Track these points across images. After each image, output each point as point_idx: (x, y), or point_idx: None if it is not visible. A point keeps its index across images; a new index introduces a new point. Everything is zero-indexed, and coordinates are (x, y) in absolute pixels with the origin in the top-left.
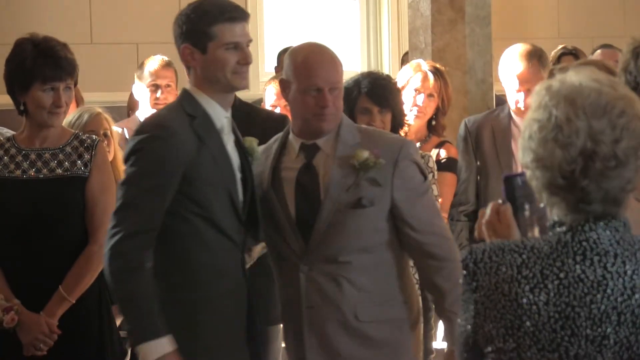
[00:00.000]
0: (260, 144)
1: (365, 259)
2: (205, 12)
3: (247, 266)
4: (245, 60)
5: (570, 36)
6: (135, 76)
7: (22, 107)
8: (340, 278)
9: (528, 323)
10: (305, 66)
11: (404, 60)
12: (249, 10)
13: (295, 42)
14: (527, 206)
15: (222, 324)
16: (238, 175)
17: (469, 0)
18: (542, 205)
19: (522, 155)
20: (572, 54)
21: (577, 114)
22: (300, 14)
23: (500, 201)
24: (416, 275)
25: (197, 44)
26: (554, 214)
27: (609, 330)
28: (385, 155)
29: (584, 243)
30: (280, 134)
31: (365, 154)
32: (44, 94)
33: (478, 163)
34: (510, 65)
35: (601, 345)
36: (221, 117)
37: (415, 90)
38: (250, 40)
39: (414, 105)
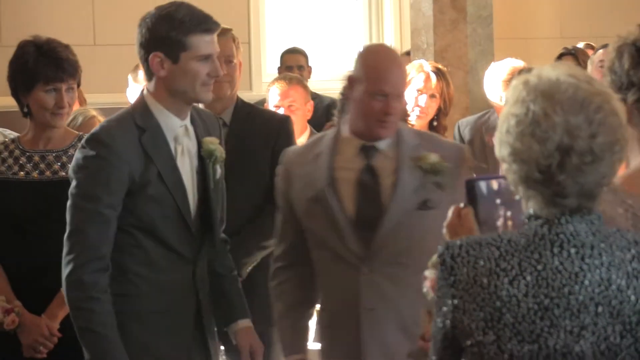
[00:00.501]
0: (262, 144)
1: (427, 261)
2: (180, 21)
3: (246, 269)
4: (215, 73)
5: (572, 36)
6: (130, 78)
7: (25, 109)
8: (402, 280)
9: (508, 315)
10: (377, 70)
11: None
12: (251, 11)
13: (297, 42)
14: (494, 211)
15: (154, 341)
16: (194, 185)
17: (470, 0)
18: (507, 212)
19: (499, 149)
20: (571, 54)
21: (555, 109)
22: (302, 14)
23: (462, 205)
24: None
25: (169, 53)
26: (529, 207)
27: (587, 321)
28: (448, 159)
29: (561, 235)
30: (323, 133)
31: (433, 157)
32: (47, 95)
33: None
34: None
35: (579, 335)
36: (176, 127)
37: (418, 90)
38: (218, 52)
39: (416, 105)
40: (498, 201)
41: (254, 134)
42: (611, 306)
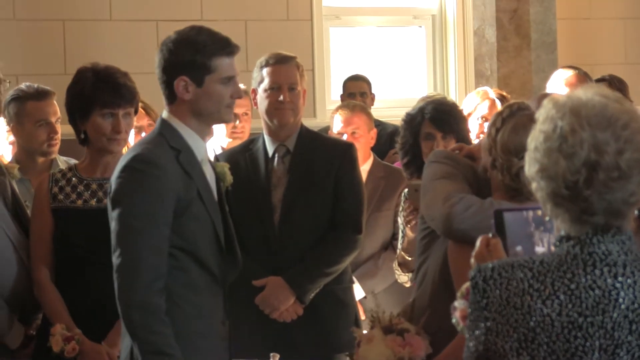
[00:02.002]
0: (325, 171)
1: None
2: (204, 45)
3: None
4: (238, 94)
5: (637, 62)
6: None
7: (82, 136)
8: None
9: (542, 335)
10: None
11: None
12: (315, 39)
13: (360, 69)
14: (517, 247)
15: None
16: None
17: (534, 27)
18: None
19: (528, 167)
20: (605, 80)
21: (582, 125)
22: (365, 42)
23: (490, 234)
24: None
25: (194, 77)
26: (559, 227)
27: (621, 339)
28: None
29: (594, 255)
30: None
31: None
32: (104, 120)
33: None
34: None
35: (614, 354)
36: (201, 148)
37: (482, 117)
38: (238, 74)
39: (481, 132)
40: (532, 228)
41: (318, 161)
42: None
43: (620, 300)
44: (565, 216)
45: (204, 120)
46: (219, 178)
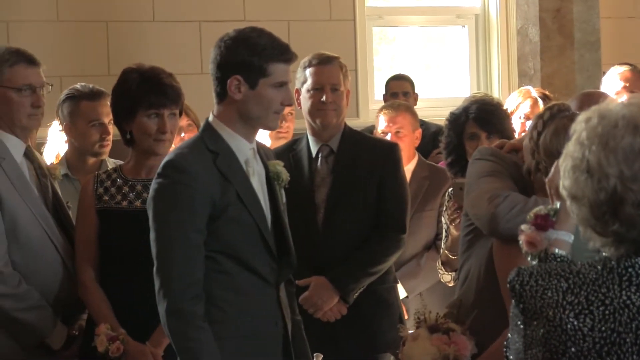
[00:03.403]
0: (369, 171)
1: None
2: (263, 48)
3: (353, 295)
4: (289, 101)
5: None
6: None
7: (128, 136)
8: None
9: (573, 349)
10: None
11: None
12: (357, 39)
13: (404, 69)
14: None
15: None
16: (267, 207)
17: (577, 26)
18: None
19: (562, 185)
20: None
21: (608, 159)
22: (409, 42)
23: None
24: None
25: (248, 78)
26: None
27: None
28: None
29: (630, 269)
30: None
31: None
32: (149, 120)
33: None
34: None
35: None
36: (246, 150)
37: (525, 116)
38: (291, 81)
39: (523, 131)
40: None
41: (362, 161)
42: None
43: None
44: (598, 241)
45: (251, 123)
46: (272, 178)
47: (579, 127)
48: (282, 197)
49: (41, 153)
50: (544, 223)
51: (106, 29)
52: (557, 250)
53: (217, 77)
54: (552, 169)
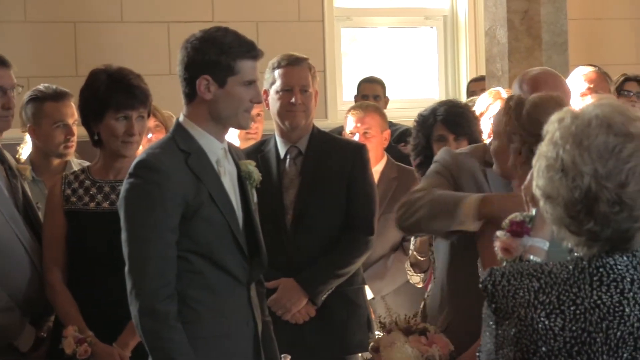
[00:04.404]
0: (338, 172)
1: None
2: (229, 46)
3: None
4: (257, 99)
5: None
6: None
7: (96, 137)
8: None
9: (544, 348)
10: None
11: (469, 87)
12: (326, 40)
13: (372, 70)
14: None
15: None
16: (238, 207)
17: (545, 28)
18: None
19: (535, 185)
20: (636, 81)
21: (583, 157)
22: (377, 43)
23: None
24: None
25: (216, 77)
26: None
27: (625, 355)
28: None
29: (601, 269)
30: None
31: None
32: (117, 123)
33: None
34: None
35: None
36: (217, 149)
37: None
38: (259, 79)
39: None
40: None
41: (330, 162)
42: None
43: (626, 317)
44: (572, 240)
45: (222, 122)
46: (244, 178)
47: (552, 127)
48: (254, 196)
49: (18, 154)
50: (519, 229)
51: (74, 29)
52: (532, 257)
53: (185, 78)
54: (528, 177)
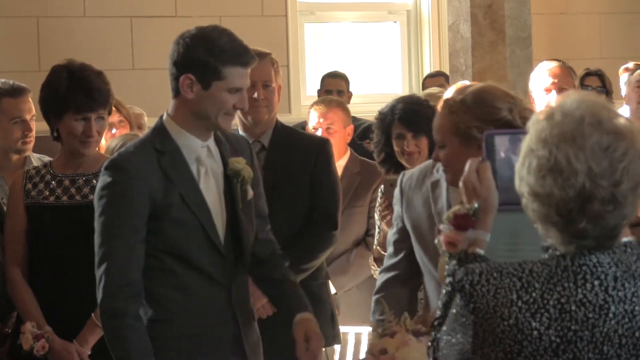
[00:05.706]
0: (301, 167)
1: None
2: (221, 50)
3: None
4: (242, 105)
5: (612, 57)
6: None
7: (55, 133)
8: None
9: (529, 348)
10: None
11: (425, 84)
12: (289, 35)
13: (336, 65)
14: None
15: None
16: (222, 206)
17: (509, 22)
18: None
19: (519, 184)
20: (597, 75)
21: (577, 156)
22: (340, 37)
23: (480, 159)
24: None
25: (201, 78)
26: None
27: (610, 353)
28: None
29: (584, 267)
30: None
31: None
32: (76, 123)
33: None
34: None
35: None
36: (197, 148)
37: None
38: (248, 86)
39: None
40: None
41: (293, 157)
42: (635, 337)
43: (611, 314)
44: (557, 238)
45: (201, 122)
46: (230, 177)
47: (540, 125)
48: (248, 194)
49: None
50: (464, 223)
51: (37, 24)
52: (477, 250)
53: (172, 74)
54: (466, 168)
